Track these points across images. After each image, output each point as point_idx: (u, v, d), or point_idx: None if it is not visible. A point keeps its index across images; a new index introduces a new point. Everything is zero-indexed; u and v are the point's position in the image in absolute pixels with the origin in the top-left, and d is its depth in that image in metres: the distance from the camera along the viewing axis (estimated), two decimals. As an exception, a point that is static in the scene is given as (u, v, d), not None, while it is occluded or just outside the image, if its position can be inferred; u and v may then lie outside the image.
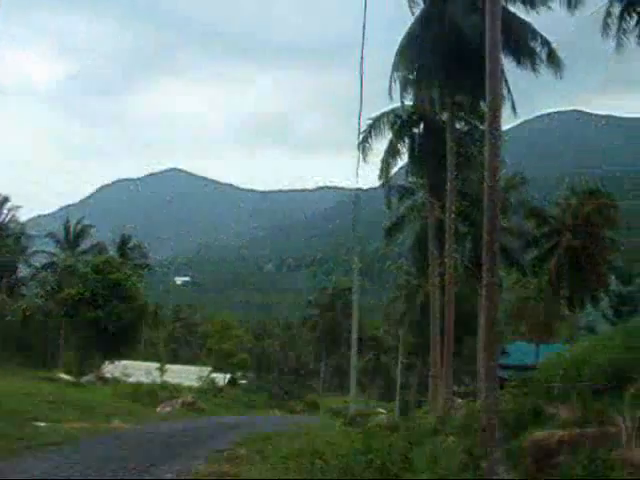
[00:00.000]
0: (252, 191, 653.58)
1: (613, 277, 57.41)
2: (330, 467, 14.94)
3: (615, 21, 30.61)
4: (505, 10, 29.62)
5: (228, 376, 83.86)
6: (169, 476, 16.06)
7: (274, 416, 55.34)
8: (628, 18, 30.51)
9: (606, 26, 30.82)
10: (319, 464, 15.21)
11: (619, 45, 30.93)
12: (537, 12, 31.77)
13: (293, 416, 61.96)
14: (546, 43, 32.05)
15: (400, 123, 40.81)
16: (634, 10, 29.82)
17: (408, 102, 40.08)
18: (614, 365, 15.48)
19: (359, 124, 27.09)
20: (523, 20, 32.24)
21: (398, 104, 39.63)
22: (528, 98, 33.38)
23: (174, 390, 51.06)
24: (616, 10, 30.59)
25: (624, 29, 30.59)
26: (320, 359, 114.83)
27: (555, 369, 17.13)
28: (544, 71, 32.17)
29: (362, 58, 20.37)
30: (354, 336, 41.30)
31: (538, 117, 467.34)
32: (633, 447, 10.90)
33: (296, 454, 17.85)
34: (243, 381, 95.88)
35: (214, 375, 75.76)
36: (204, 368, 73.78)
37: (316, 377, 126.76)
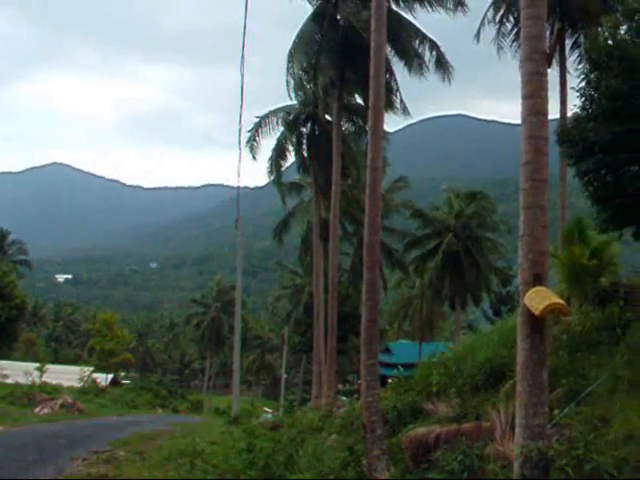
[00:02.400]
0: (138, 187, 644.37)
1: (494, 278, 58.96)
2: (211, 467, 14.81)
3: (495, 26, 31.59)
4: (393, 13, 30.04)
5: (111, 376, 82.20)
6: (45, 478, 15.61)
7: (157, 416, 54.45)
8: (506, 22, 31.52)
9: (482, 30, 31.80)
10: (200, 464, 15.06)
11: (499, 48, 31.95)
12: (428, 11, 31.98)
13: (177, 416, 61.23)
14: (435, 47, 32.41)
15: (289, 122, 40.88)
16: (512, 15, 30.78)
17: (298, 100, 40.41)
18: (492, 362, 15.89)
19: (240, 122, 26.88)
20: (412, 23, 32.58)
21: (287, 102, 39.88)
22: (412, 101, 33.71)
23: (53, 391, 49.50)
24: (496, 15, 31.57)
25: (503, 33, 31.59)
26: (205, 358, 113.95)
27: (435, 366, 17.45)
28: (432, 74, 32.53)
29: (243, 57, 20.13)
30: (237, 334, 41.11)
31: (423, 120, 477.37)
32: (506, 441, 11.21)
33: (177, 454, 17.64)
34: (126, 381, 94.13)
35: (96, 375, 74.00)
36: (86, 368, 71.85)
37: (201, 376, 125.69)
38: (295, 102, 39.63)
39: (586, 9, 28.44)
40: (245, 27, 18.97)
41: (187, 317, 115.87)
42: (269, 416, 45.91)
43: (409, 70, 32.30)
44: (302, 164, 43.86)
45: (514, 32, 30.85)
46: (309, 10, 33.64)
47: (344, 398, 49.54)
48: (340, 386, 72.71)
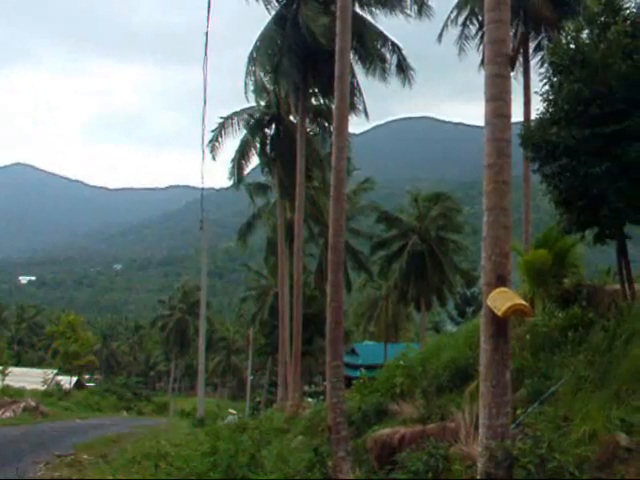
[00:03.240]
0: (103, 188, 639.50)
1: (459, 279, 59.11)
2: (175, 470, 14.73)
3: (458, 28, 31.73)
4: (357, 16, 30.06)
5: (75, 379, 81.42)
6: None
7: (122, 418, 54.09)
8: (469, 25, 31.68)
9: (446, 32, 31.92)
10: (164, 467, 14.97)
11: (461, 51, 32.10)
12: (393, 15, 31.94)
13: (142, 418, 60.83)
14: (397, 50, 32.42)
15: (253, 123, 40.78)
16: (476, 18, 30.95)
17: (263, 102, 40.42)
18: (456, 363, 15.98)
19: (203, 123, 26.80)
20: (374, 26, 32.59)
21: (253, 104, 39.82)
22: (379, 103, 33.85)
23: (16, 394, 48.99)
24: (458, 17, 31.72)
25: (466, 35, 31.75)
26: (170, 360, 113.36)
27: (400, 368, 17.51)
28: (395, 78, 32.50)
29: (206, 56, 20.06)
30: (202, 336, 40.93)
31: (389, 122, 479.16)
32: (471, 442, 11.27)
33: (141, 457, 17.52)
34: (90, 384, 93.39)
35: (60, 378, 73.30)
36: (49, 371, 71.13)
37: (166, 378, 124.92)
38: (255, 104, 39.78)
39: (541, 14, 28.68)
40: (208, 27, 18.88)
41: (153, 320, 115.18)
42: (235, 418, 45.78)
43: (372, 73, 32.26)
44: (267, 165, 43.77)
45: (479, 36, 31.00)
46: (270, 13, 33.60)
47: (310, 399, 49.63)
48: (306, 387, 72.76)
